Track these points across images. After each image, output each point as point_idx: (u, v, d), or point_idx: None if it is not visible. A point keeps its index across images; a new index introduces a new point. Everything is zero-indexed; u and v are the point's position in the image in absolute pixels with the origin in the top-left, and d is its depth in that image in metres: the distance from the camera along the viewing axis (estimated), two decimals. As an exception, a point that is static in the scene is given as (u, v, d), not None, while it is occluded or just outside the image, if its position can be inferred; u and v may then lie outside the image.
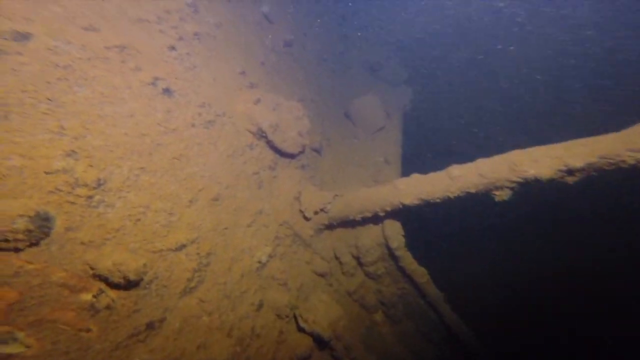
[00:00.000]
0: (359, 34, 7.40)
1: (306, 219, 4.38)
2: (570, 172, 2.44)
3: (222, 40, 3.83)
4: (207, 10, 3.71)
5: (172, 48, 3.17)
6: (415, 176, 3.73)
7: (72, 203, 2.10)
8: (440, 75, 7.29)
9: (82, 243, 2.15)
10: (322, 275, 4.84)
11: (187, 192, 2.94)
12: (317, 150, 5.01)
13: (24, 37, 2.13)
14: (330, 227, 4.65)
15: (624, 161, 2.20)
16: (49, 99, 2.12)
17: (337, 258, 4.97)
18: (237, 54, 3.93)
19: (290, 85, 4.92)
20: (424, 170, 3.71)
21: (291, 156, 4.38)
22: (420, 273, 4.67)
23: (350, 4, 7.79)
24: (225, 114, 3.51)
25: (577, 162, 2.33)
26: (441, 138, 5.77)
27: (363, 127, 5.64)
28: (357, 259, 4.95)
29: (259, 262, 3.73)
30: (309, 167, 4.87)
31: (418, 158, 5.35)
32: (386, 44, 7.53)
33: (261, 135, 3.86)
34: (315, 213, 4.39)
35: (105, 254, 2.23)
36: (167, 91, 2.91)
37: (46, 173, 2.00)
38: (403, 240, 4.59)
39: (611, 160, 2.26)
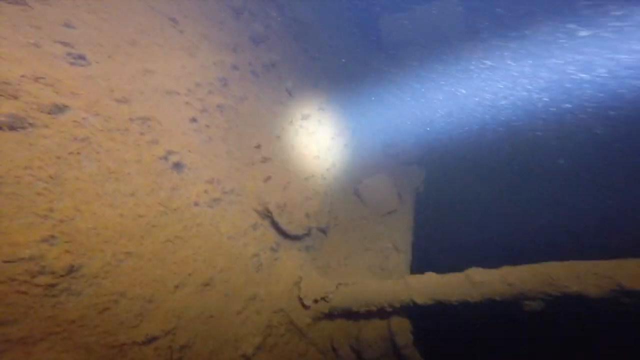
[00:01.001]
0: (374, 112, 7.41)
1: (305, 307, 3.91)
2: (625, 293, 2.29)
3: (244, 113, 3.70)
4: (237, 84, 3.63)
5: (194, 120, 3.00)
6: (430, 275, 3.39)
7: (23, 293, 1.77)
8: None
9: (8, 340, 1.76)
10: (315, 370, 4.25)
11: (175, 276, 2.57)
12: (323, 231, 4.67)
13: (59, 109, 2.06)
14: (330, 316, 4.15)
15: None
16: (50, 177, 1.94)
17: (334, 350, 4.41)
18: (255, 127, 3.77)
19: (304, 159, 4.72)
20: (435, 263, 3.36)
21: (296, 237, 4.03)
22: None
23: (372, 97, 7.84)
24: (233, 191, 3.23)
25: (635, 284, 2.20)
26: (453, 230, 5.47)
27: (373, 208, 5.35)
28: (357, 352, 4.39)
29: (244, 355, 3.21)
30: (314, 248, 4.50)
31: (430, 249, 4.97)
32: (401, 124, 7.51)
33: (267, 214, 3.55)
34: (316, 302, 3.92)
35: (33, 352, 1.82)
36: (177, 166, 2.66)
37: (5, 262, 1.68)
38: (411, 338, 4.09)
39: None
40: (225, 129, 3.30)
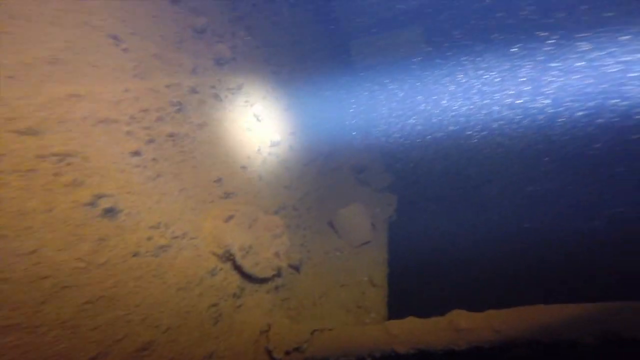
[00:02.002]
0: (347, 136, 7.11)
1: (274, 359, 3.35)
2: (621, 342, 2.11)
3: (203, 142, 3.18)
4: (195, 109, 3.10)
5: (136, 153, 2.46)
6: (412, 320, 2.97)
7: None
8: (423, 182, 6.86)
9: None
10: None
11: (92, 346, 1.99)
12: (295, 268, 4.16)
13: None
14: (302, 368, 3.60)
15: None
16: None
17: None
18: (216, 158, 3.26)
19: (274, 190, 4.24)
20: (411, 295, 2.93)
21: (263, 280, 3.50)
22: None
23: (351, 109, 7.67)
24: (186, 235, 2.69)
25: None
26: (429, 256, 5.11)
27: (348, 239, 4.91)
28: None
29: None
30: (285, 287, 3.97)
31: (405, 279, 4.55)
32: (371, 147, 7.23)
33: (228, 258, 3.02)
34: (287, 354, 3.37)
35: None
36: (109, 211, 2.12)
37: None
38: None
39: None
40: (178, 162, 2.78)
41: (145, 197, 2.35)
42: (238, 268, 3.08)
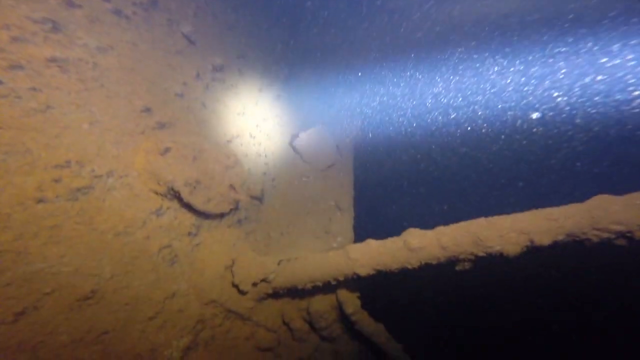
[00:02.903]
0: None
1: (242, 292, 3.21)
2: (537, 249, 2.11)
3: (112, 68, 2.54)
4: (85, 29, 2.41)
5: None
6: (370, 243, 2.93)
7: None
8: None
9: None
10: (268, 349, 3.69)
11: (12, 302, 1.71)
12: (258, 199, 3.87)
13: None
14: (275, 295, 3.51)
15: (589, 240, 1.98)
16: None
17: (285, 324, 3.86)
18: (138, 86, 2.69)
19: (224, 119, 3.75)
20: (377, 217, 2.82)
21: (221, 216, 3.20)
22: (379, 332, 3.80)
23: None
24: (112, 174, 2.27)
25: (545, 240, 2.03)
26: (391, 174, 4.95)
27: (312, 162, 4.60)
28: (310, 324, 3.90)
29: (169, 361, 2.53)
30: (248, 220, 3.71)
31: (370, 201, 4.40)
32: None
33: (174, 195, 2.65)
34: (255, 285, 3.23)
35: None
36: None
37: None
38: (359, 303, 3.69)
39: (577, 238, 2.01)
40: (78, 91, 2.22)
41: (34, 133, 1.86)
42: (187, 206, 2.73)
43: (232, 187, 3.12)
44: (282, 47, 6.01)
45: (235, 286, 3.15)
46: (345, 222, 4.05)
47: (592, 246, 2.05)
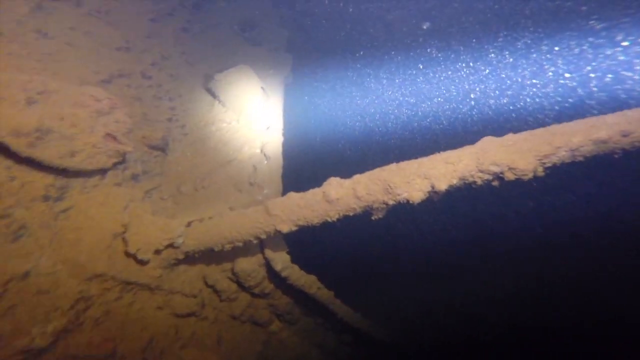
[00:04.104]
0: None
1: (142, 262, 2.66)
2: (437, 193, 2.01)
3: None
4: None
5: None
6: (291, 197, 2.54)
7: None
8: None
9: None
10: (189, 315, 3.29)
11: None
12: (160, 148, 3.18)
13: None
14: (189, 260, 3.01)
15: (475, 182, 1.91)
16: None
17: (210, 286, 3.45)
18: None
19: (97, 54, 2.89)
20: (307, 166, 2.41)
21: (102, 171, 2.52)
22: (310, 283, 3.59)
23: None
24: None
25: (442, 185, 1.93)
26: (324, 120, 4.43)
27: (233, 107, 3.89)
28: (238, 284, 3.52)
29: (29, 350, 2.05)
30: (148, 174, 3.05)
31: (301, 145, 3.89)
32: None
33: (7, 150, 1.93)
34: (158, 252, 2.69)
35: None
36: None
37: None
38: (288, 257, 3.34)
39: (467, 181, 1.94)
40: None
41: None
42: (31, 161, 2.02)
43: (109, 135, 2.40)
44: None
45: (132, 256, 2.58)
46: (272, 170, 3.52)
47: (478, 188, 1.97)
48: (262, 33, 5.05)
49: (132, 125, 2.59)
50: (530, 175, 1.78)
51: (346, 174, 2.34)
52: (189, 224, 2.73)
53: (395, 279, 5.45)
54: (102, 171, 2.52)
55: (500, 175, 1.84)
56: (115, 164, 2.52)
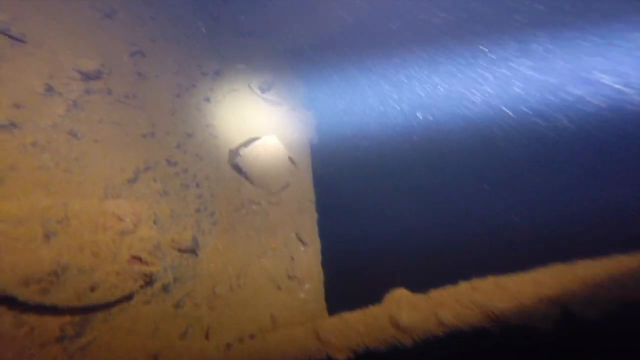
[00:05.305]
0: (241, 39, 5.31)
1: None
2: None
3: None
4: None
5: None
6: (345, 319, 2.11)
7: None
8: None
9: None
10: None
11: None
12: (191, 250, 2.82)
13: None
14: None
15: None
16: None
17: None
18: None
19: (114, 150, 2.64)
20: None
21: (127, 297, 2.15)
22: None
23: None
24: None
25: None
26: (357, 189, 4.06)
27: (262, 184, 3.57)
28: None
29: None
30: (180, 281, 2.67)
31: (338, 227, 3.50)
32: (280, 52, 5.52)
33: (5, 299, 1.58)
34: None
35: None
36: None
37: None
38: None
39: None
40: None
41: None
42: (41, 308, 1.67)
43: (135, 258, 2.06)
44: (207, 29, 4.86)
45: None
46: (311, 259, 3.11)
47: None
48: (281, 92, 4.86)
49: (159, 234, 2.25)
50: None
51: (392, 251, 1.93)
52: (228, 347, 2.30)
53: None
54: (129, 296, 2.14)
55: None
56: (141, 287, 2.15)
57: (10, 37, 2.79)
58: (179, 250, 2.72)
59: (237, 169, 3.65)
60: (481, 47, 4.87)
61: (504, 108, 4.61)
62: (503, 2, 4.81)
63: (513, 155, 4.40)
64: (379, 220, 3.97)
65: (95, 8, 3.75)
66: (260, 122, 4.15)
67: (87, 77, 2.87)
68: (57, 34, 3.13)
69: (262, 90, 4.72)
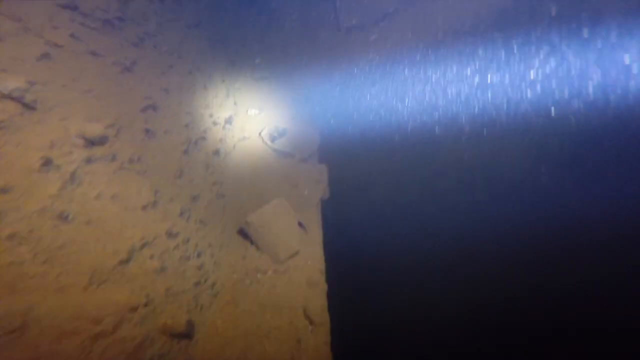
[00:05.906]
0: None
1: None
2: None
3: None
4: None
5: None
6: None
7: None
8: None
9: None
10: None
11: None
12: (184, 335, 2.55)
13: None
14: None
15: None
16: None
17: None
18: None
19: (122, 221, 2.47)
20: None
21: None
22: None
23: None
24: None
25: None
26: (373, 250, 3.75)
27: (270, 251, 3.32)
28: None
29: None
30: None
31: (352, 303, 3.17)
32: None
33: None
34: None
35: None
36: None
37: None
38: None
39: None
40: None
41: None
42: None
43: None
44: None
45: None
46: (319, 342, 2.77)
47: None
48: (294, 139, 4.66)
49: (149, 321, 2.00)
50: None
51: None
52: None
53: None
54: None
55: None
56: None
57: (23, 104, 2.76)
58: (171, 335, 2.47)
59: (244, 233, 3.42)
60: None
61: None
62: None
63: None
64: (401, 301, 3.59)
65: (117, 63, 3.74)
66: (270, 178, 3.94)
67: (90, 143, 2.77)
68: (71, 96, 3.08)
69: (273, 139, 4.56)
